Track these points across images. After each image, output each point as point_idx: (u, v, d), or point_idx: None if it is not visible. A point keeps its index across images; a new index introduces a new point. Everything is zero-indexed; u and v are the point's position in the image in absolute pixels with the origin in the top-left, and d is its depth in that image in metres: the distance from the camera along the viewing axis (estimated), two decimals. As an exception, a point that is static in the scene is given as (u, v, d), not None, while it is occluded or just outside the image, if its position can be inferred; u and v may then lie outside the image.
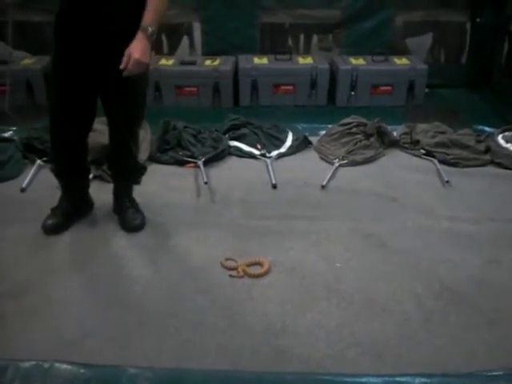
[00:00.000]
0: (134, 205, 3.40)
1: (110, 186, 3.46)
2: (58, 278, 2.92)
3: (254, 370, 2.35)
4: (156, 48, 5.99)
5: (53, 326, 2.59)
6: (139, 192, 3.57)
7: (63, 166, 3.24)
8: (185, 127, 4.37)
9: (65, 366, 2.32)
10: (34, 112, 5.03)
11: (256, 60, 5.34)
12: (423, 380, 2.27)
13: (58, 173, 3.29)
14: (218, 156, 4.15)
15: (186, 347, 2.48)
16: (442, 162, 4.11)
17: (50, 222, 3.27)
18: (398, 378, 2.29)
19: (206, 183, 3.76)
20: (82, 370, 2.30)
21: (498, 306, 2.72)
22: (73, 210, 3.35)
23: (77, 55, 2.87)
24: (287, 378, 2.33)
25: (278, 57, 5.37)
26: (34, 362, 2.32)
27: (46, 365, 2.31)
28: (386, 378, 2.29)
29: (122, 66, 2.77)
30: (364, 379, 2.30)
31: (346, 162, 4.11)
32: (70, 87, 2.94)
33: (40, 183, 3.82)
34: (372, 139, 4.32)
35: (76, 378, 2.28)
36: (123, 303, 2.74)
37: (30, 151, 4.13)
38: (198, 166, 3.96)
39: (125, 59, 2.76)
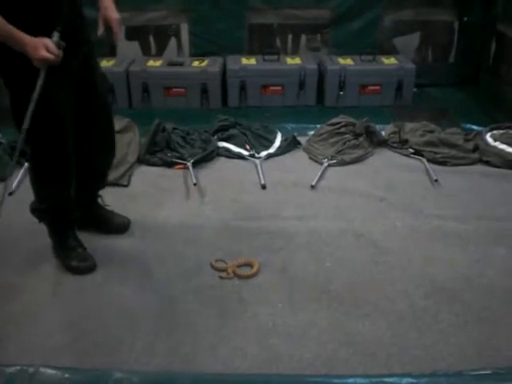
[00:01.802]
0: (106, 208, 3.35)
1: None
2: (48, 281, 2.90)
3: (245, 371, 2.35)
4: (144, 49, 6.00)
5: (42, 330, 2.57)
6: (128, 194, 3.58)
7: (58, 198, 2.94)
8: (174, 129, 4.36)
9: (50, 371, 2.30)
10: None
11: (244, 61, 5.34)
12: (410, 380, 2.27)
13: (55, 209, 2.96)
14: (206, 157, 4.14)
15: (177, 349, 2.47)
16: (430, 160, 4.12)
17: (78, 264, 2.98)
18: (385, 379, 2.29)
19: (195, 184, 3.75)
20: (67, 375, 2.29)
21: (487, 303, 2.73)
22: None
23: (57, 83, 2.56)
24: (275, 380, 2.32)
25: (266, 57, 5.37)
26: (18, 367, 2.30)
27: (31, 369, 2.29)
28: (373, 379, 2.29)
29: (116, 31, 2.64)
30: (351, 380, 2.30)
31: (335, 161, 4.12)
32: (61, 119, 2.68)
33: (28, 186, 3.78)
34: (361, 139, 4.33)
35: (61, 383, 2.27)
36: (113, 306, 2.73)
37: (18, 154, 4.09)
38: (187, 168, 3.95)
39: (116, 25, 2.61)
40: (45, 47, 2.34)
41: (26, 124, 2.46)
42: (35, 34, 2.37)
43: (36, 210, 3.00)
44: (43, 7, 2.42)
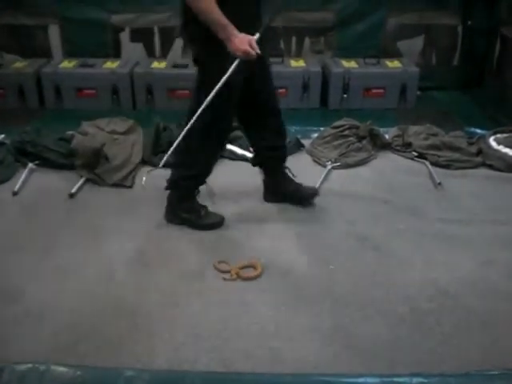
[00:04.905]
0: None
1: (102, 189, 3.48)
2: (53, 281, 2.91)
3: (248, 372, 2.35)
4: (148, 51, 6.01)
5: (46, 331, 2.58)
6: (132, 195, 3.59)
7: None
8: (179, 124, 4.34)
9: (61, 369, 2.31)
10: (25, 115, 5.03)
11: (248, 63, 5.33)
12: (420, 380, 2.27)
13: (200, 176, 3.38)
14: (210, 158, 4.14)
15: (180, 351, 2.47)
16: (433, 164, 4.12)
17: (211, 221, 3.39)
18: (395, 379, 2.30)
19: None
20: (79, 373, 2.30)
21: (490, 307, 2.73)
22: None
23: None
24: (285, 379, 2.33)
25: (271, 59, 5.35)
26: (30, 365, 2.31)
27: (42, 367, 2.30)
28: (384, 379, 2.30)
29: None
30: (361, 379, 2.31)
31: (338, 164, 4.12)
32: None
33: (32, 186, 3.81)
34: (364, 142, 4.33)
35: (72, 381, 2.27)
36: (116, 307, 2.73)
37: (21, 154, 4.11)
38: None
39: None
40: (249, 43, 2.84)
41: (209, 98, 2.96)
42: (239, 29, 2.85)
43: (183, 177, 3.33)
44: (253, 9, 2.99)
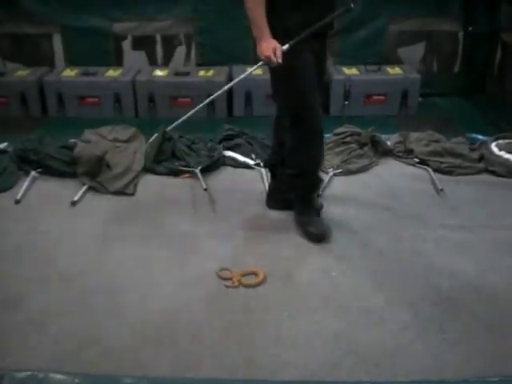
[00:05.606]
0: None
1: (104, 197, 3.49)
2: (54, 289, 2.91)
3: (251, 379, 2.35)
4: (150, 59, 6.03)
5: (49, 338, 2.58)
6: (134, 203, 3.58)
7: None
8: (179, 137, 4.37)
9: (59, 377, 2.32)
10: (28, 123, 5.05)
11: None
12: (420, 387, 2.27)
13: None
14: (213, 165, 4.15)
15: (182, 358, 2.47)
16: (435, 170, 4.12)
17: (312, 231, 3.34)
18: (395, 386, 2.29)
19: (205, 190, 3.78)
20: (77, 380, 2.31)
21: (494, 313, 2.72)
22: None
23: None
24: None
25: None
26: (29, 373, 2.32)
27: (41, 375, 2.32)
28: (383, 386, 2.29)
29: None
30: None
31: (340, 171, 4.12)
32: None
33: (35, 194, 3.82)
34: (366, 148, 4.33)
35: (70, 388, 2.28)
36: (119, 314, 2.73)
37: (24, 162, 4.12)
38: (194, 176, 3.97)
39: None
40: (273, 51, 2.93)
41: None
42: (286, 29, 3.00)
43: (288, 175, 3.38)
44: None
